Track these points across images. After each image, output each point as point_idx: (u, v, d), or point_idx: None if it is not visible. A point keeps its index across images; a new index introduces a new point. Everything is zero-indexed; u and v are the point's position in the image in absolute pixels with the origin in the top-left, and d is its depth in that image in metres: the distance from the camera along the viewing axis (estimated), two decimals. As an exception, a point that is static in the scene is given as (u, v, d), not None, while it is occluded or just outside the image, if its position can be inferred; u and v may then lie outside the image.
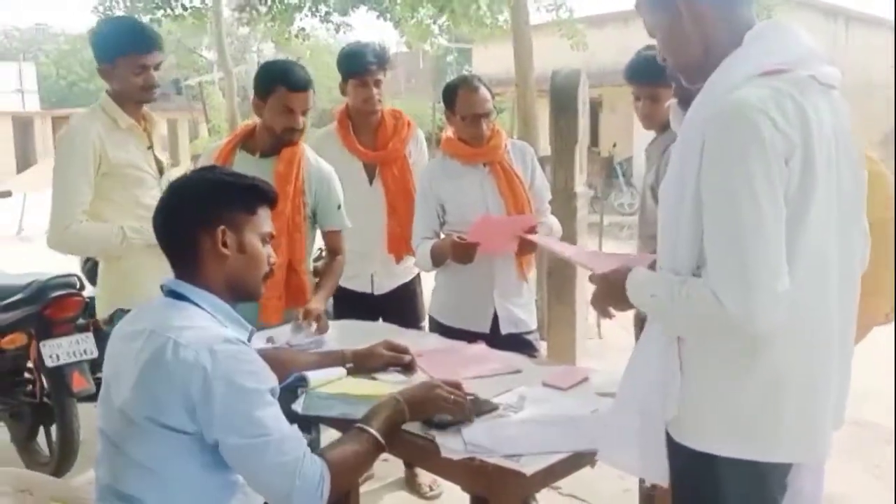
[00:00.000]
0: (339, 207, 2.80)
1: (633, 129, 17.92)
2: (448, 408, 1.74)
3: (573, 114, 4.54)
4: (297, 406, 1.92)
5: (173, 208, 1.65)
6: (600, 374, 2.15)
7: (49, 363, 3.18)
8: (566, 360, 4.34)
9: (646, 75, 2.62)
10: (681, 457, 1.48)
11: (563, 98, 4.56)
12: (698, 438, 1.45)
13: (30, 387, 3.50)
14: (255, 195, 1.69)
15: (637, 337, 2.92)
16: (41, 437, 3.56)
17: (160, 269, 2.43)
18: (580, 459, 1.71)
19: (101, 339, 2.94)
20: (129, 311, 2.40)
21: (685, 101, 2.29)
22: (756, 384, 1.40)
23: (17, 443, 3.57)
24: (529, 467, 1.58)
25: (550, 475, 1.65)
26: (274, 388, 1.55)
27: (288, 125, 2.59)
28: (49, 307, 3.22)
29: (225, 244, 1.61)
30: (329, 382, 2.06)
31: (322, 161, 2.82)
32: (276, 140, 2.64)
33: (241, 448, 1.46)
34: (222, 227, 1.60)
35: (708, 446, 1.43)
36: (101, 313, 2.71)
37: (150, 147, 2.73)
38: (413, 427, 1.77)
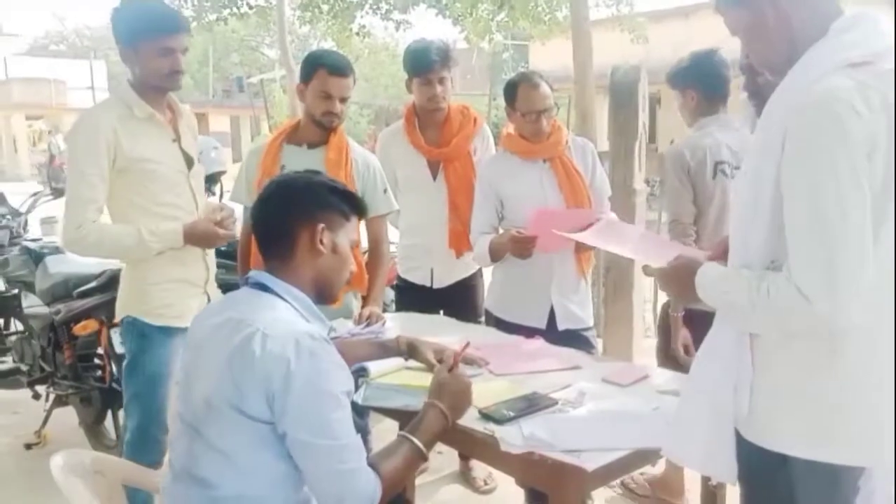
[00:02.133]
0: (385, 192, 2.85)
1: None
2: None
3: (633, 110, 4.49)
4: (358, 397, 1.95)
5: (279, 200, 1.72)
6: (661, 372, 2.13)
7: (119, 350, 3.27)
8: (622, 357, 4.29)
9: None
10: (751, 456, 1.46)
11: (622, 94, 4.51)
12: (772, 438, 1.42)
13: (99, 372, 3.63)
14: (351, 203, 1.77)
15: (660, 344, 2.92)
16: (108, 422, 3.67)
17: (177, 278, 2.49)
18: (641, 457, 1.70)
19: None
20: (139, 320, 2.47)
21: (755, 95, 2.26)
22: (836, 384, 1.37)
23: (86, 426, 3.69)
24: (590, 463, 1.57)
25: (611, 472, 1.65)
26: (350, 391, 1.58)
27: (326, 109, 2.63)
28: (120, 295, 3.32)
29: (322, 241, 1.67)
30: (388, 373, 2.10)
31: (364, 149, 2.88)
32: (319, 127, 2.68)
33: (305, 445, 1.50)
34: (322, 225, 1.67)
35: (782, 446, 1.41)
36: (117, 316, 2.60)
37: (176, 140, 2.51)
38: (472, 421, 1.79)
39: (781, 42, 1.45)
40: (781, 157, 1.33)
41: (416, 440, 1.64)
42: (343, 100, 2.66)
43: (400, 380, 2.04)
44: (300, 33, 29.96)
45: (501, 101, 3.08)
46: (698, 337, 2.78)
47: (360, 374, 2.03)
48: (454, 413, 1.74)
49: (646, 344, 5.32)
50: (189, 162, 2.55)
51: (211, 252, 2.64)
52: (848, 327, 1.29)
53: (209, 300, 2.58)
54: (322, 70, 2.61)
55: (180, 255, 2.49)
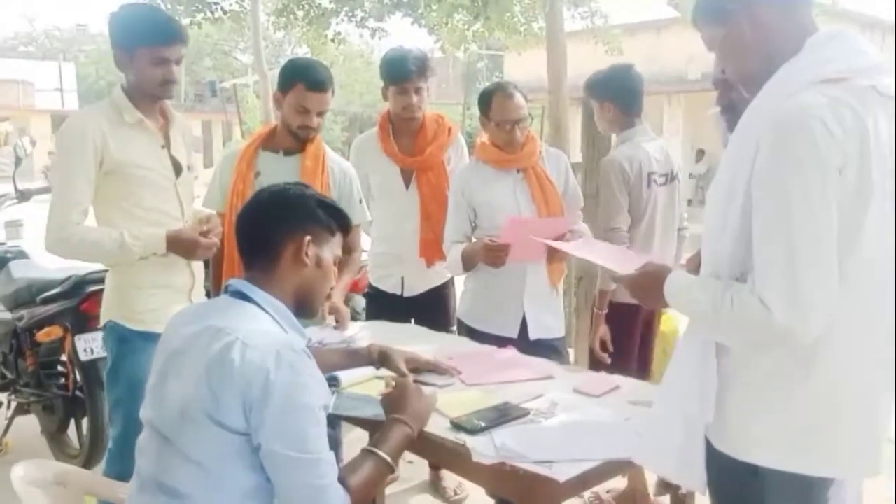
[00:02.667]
0: (360, 202, 2.83)
1: (662, 137, 17.84)
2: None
3: (606, 121, 4.51)
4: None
5: (266, 209, 1.72)
6: (632, 383, 2.14)
7: (83, 357, 3.23)
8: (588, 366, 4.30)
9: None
10: (721, 466, 1.46)
11: (596, 105, 4.53)
12: (742, 448, 1.42)
13: (63, 380, 3.56)
14: (339, 220, 1.77)
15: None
16: (72, 430, 3.60)
17: (161, 284, 2.46)
18: (613, 468, 1.70)
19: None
20: (119, 325, 2.44)
21: (728, 110, 2.28)
22: (809, 395, 1.37)
23: (48, 434, 3.62)
24: (562, 474, 1.57)
25: (582, 483, 1.64)
26: (326, 405, 1.57)
27: (302, 123, 2.62)
28: (86, 301, 3.26)
29: (307, 254, 1.67)
30: (359, 383, 2.08)
31: (341, 157, 2.86)
32: (296, 136, 2.67)
33: (280, 457, 1.48)
34: (308, 237, 1.68)
35: (753, 457, 1.41)
36: (101, 321, 2.56)
37: (166, 146, 2.50)
38: (443, 431, 1.78)
39: (757, 57, 1.47)
40: (752, 171, 1.34)
41: (382, 453, 1.64)
42: (320, 114, 2.64)
43: (371, 389, 2.02)
44: (275, 39, 29.85)
45: (476, 111, 3.09)
46: (618, 334, 2.92)
47: (330, 383, 2.01)
48: (417, 423, 1.75)
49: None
50: (177, 169, 2.53)
51: None
52: (807, 341, 1.30)
53: None
54: (300, 84, 2.59)
55: (165, 260, 2.45)
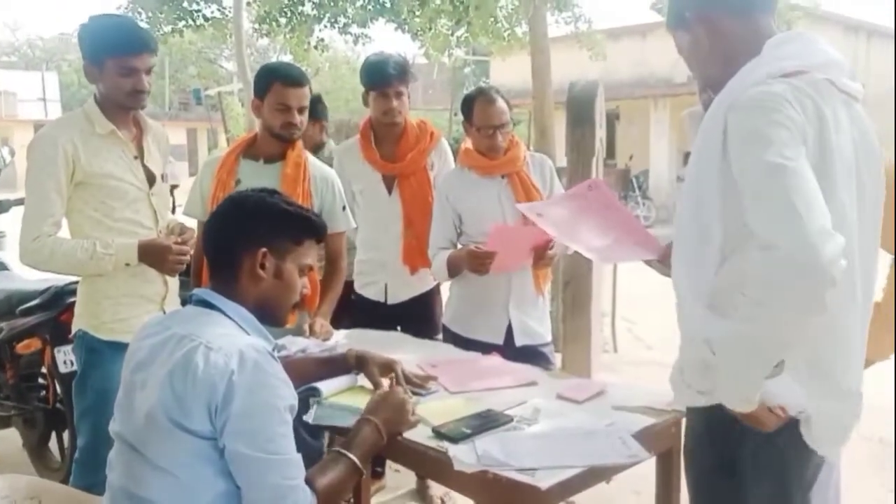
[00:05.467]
0: (343, 208, 2.81)
1: (648, 142, 17.93)
2: (411, 424, 1.80)
3: (590, 126, 4.51)
4: (309, 416, 1.92)
5: (225, 220, 1.71)
6: (616, 388, 2.12)
7: (63, 369, 3.18)
8: (581, 372, 4.29)
9: None
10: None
11: (579, 110, 4.54)
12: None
13: (43, 392, 3.52)
14: (306, 227, 1.73)
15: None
16: (53, 443, 3.55)
17: (133, 293, 2.45)
18: (595, 474, 1.68)
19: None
20: (88, 334, 2.43)
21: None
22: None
23: (30, 448, 3.57)
24: (544, 481, 1.55)
25: (566, 490, 1.62)
26: (293, 407, 1.56)
27: (285, 121, 2.59)
28: (65, 313, 3.21)
29: (263, 266, 1.65)
30: (341, 392, 2.05)
31: (323, 164, 2.84)
32: (277, 141, 2.65)
33: (245, 458, 1.47)
34: (264, 249, 1.65)
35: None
36: (72, 331, 2.55)
37: (139, 157, 2.49)
38: (425, 439, 1.76)
39: (716, 61, 1.56)
40: (722, 157, 1.39)
41: (351, 455, 1.63)
42: (301, 110, 2.62)
43: (352, 400, 2.00)
44: (259, 46, 29.78)
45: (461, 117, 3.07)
46: None
47: (311, 394, 1.98)
48: (389, 427, 1.74)
49: (605, 358, 5.36)
50: (151, 179, 2.52)
51: None
52: (829, 267, 1.23)
53: None
54: (277, 83, 2.58)
55: (136, 269, 2.44)
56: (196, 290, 1.69)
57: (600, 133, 4.62)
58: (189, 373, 1.47)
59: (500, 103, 2.73)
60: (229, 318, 1.62)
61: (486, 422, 1.81)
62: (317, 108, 3.57)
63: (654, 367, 5.36)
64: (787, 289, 1.25)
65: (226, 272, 1.66)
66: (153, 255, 2.42)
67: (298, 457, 1.52)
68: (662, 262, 1.93)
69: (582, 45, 9.38)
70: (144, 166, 2.51)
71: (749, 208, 1.33)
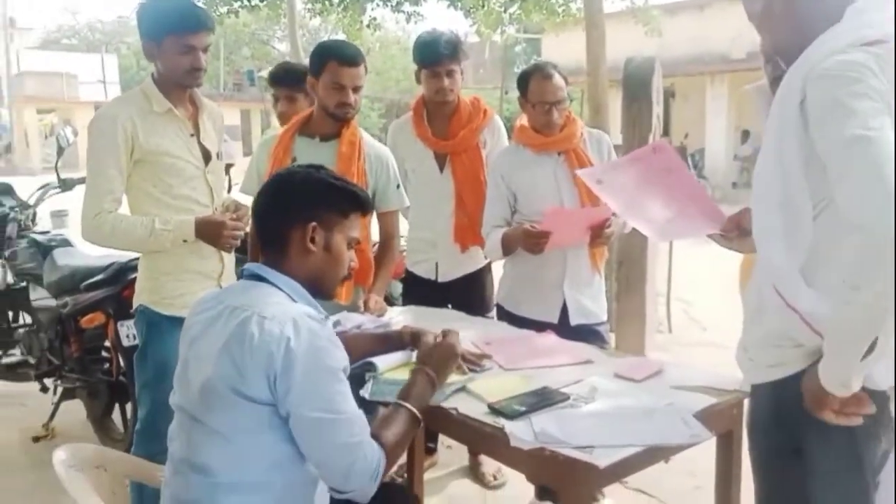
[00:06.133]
0: (398, 187, 2.81)
1: (705, 119, 17.53)
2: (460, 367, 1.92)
3: (646, 103, 4.43)
4: (365, 392, 1.92)
5: (273, 196, 1.73)
6: (674, 367, 2.08)
7: (126, 342, 3.26)
8: (635, 352, 4.25)
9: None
10: None
11: (636, 86, 4.45)
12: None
13: (107, 365, 3.62)
14: (352, 200, 1.76)
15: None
16: (116, 415, 3.67)
17: (191, 269, 2.50)
18: (654, 454, 1.65)
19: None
20: (149, 309, 2.48)
21: (777, 82, 2.20)
22: None
23: (93, 419, 3.69)
24: (602, 460, 1.53)
25: (623, 469, 1.60)
26: (346, 367, 1.59)
27: (340, 100, 2.59)
28: (127, 288, 3.28)
29: (313, 240, 1.68)
30: (396, 368, 2.06)
31: (378, 142, 2.84)
32: (332, 120, 2.65)
33: (311, 422, 1.50)
34: (314, 223, 1.67)
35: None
36: (134, 306, 2.61)
37: (195, 134, 2.54)
38: (481, 415, 1.75)
39: (788, 30, 1.50)
40: (802, 127, 1.34)
41: (410, 406, 1.68)
42: (356, 89, 2.62)
43: (406, 375, 2.00)
44: (311, 26, 29.94)
45: (513, 95, 3.07)
46: None
47: (366, 368, 2.00)
48: (441, 375, 1.81)
49: (659, 339, 5.29)
50: (207, 157, 2.56)
51: None
52: None
53: None
54: (332, 61, 2.57)
55: (196, 246, 2.49)
56: (247, 265, 1.72)
57: (657, 110, 4.53)
58: (245, 342, 1.50)
59: (558, 79, 2.69)
60: (280, 289, 1.64)
61: (543, 399, 1.79)
62: (289, 77, 3.40)
63: (710, 348, 5.29)
64: (883, 270, 1.19)
65: (276, 247, 1.69)
66: (209, 231, 2.46)
67: (361, 413, 1.56)
68: (726, 236, 1.87)
69: (637, 21, 9.17)
70: (200, 144, 2.55)
71: (836, 185, 1.27)
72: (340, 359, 1.57)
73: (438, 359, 1.84)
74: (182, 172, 2.48)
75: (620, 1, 8.96)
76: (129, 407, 3.51)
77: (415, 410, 1.68)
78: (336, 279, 1.76)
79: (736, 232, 1.85)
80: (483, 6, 8.94)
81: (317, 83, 2.63)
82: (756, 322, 1.48)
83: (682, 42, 16.86)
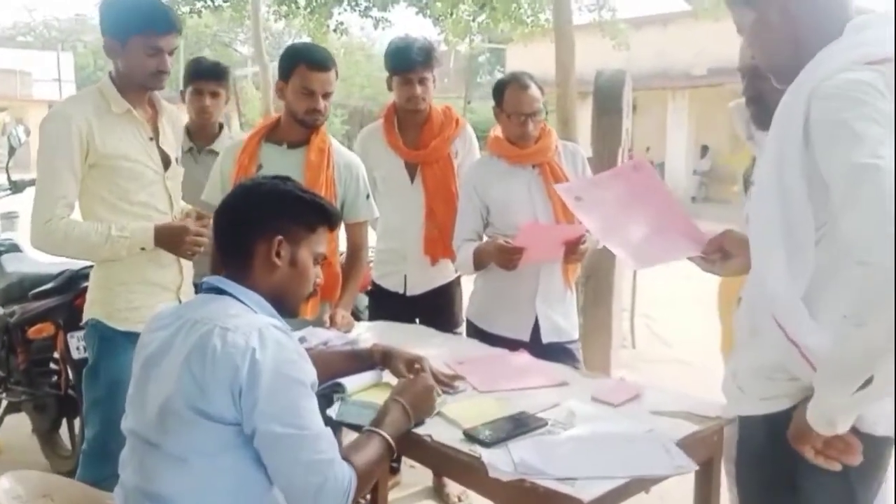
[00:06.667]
0: (367, 197, 2.72)
1: (665, 132, 17.74)
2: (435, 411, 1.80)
3: (617, 116, 4.40)
4: (332, 412, 1.85)
5: (237, 208, 1.66)
6: (652, 391, 2.02)
7: (76, 355, 3.11)
8: (599, 368, 4.21)
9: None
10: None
11: (607, 99, 4.42)
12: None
13: (55, 378, 3.44)
14: (320, 214, 1.69)
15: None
16: (64, 430, 3.48)
17: (148, 280, 2.37)
18: (637, 484, 1.58)
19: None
20: (101, 323, 2.34)
21: (755, 101, 2.15)
22: None
23: (40, 435, 3.50)
24: (585, 492, 1.46)
25: (607, 501, 1.52)
26: (314, 383, 1.53)
27: (309, 106, 2.49)
28: (79, 297, 3.12)
29: (278, 254, 1.61)
30: (365, 389, 1.97)
31: (347, 150, 2.75)
32: (301, 126, 2.55)
33: (278, 438, 1.42)
34: (280, 237, 1.60)
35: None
36: (83, 318, 2.45)
37: (154, 138, 2.40)
38: (457, 442, 1.67)
39: (786, 43, 1.42)
40: (804, 147, 1.28)
41: (384, 433, 1.61)
42: (326, 95, 2.52)
43: (377, 397, 1.91)
44: (274, 29, 29.65)
45: (476, 105, 3.00)
46: None
47: (335, 389, 1.90)
48: (416, 412, 1.72)
49: (623, 354, 5.26)
50: (166, 162, 2.44)
51: None
52: None
53: None
54: (302, 65, 2.47)
55: (152, 255, 2.36)
56: (207, 278, 1.64)
57: (627, 123, 4.51)
58: (207, 356, 1.43)
59: (534, 90, 2.62)
60: (242, 302, 1.57)
61: (520, 425, 1.72)
62: (218, 71, 3.30)
63: (675, 365, 5.28)
64: (887, 307, 1.12)
65: (239, 260, 1.61)
66: (170, 239, 2.33)
67: (329, 431, 1.48)
68: (707, 259, 1.81)
69: (605, 34, 9.22)
70: (160, 148, 2.42)
71: (840, 213, 1.21)
72: (309, 372, 1.51)
73: (414, 395, 1.76)
74: (140, 177, 2.34)
75: (588, 13, 8.98)
76: (77, 422, 3.34)
77: (388, 438, 1.61)
78: (301, 295, 1.69)
79: (718, 255, 1.79)
80: (451, 14, 8.91)
81: (285, 87, 2.52)
82: (748, 349, 1.42)
83: (646, 56, 17.06)
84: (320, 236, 1.69)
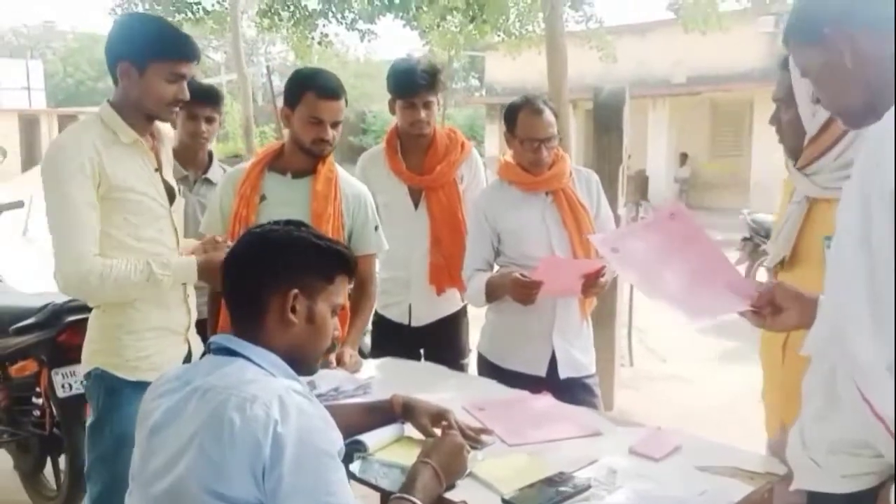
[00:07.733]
0: (376, 229, 2.58)
1: (647, 143, 17.78)
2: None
3: (617, 134, 4.31)
4: (354, 467, 1.72)
5: (248, 257, 1.49)
6: (691, 441, 1.89)
7: (61, 393, 2.95)
8: (605, 390, 4.09)
9: None
10: None
11: (607, 117, 4.33)
12: None
13: (38, 414, 3.26)
14: (338, 262, 1.53)
15: None
16: (48, 470, 3.32)
17: (157, 326, 2.18)
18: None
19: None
20: (108, 374, 2.14)
21: (778, 129, 2.02)
22: None
23: (23, 475, 3.33)
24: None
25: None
26: (341, 450, 1.39)
27: (317, 136, 2.36)
28: (64, 332, 2.97)
29: (294, 310, 1.46)
30: (387, 445, 1.83)
31: (355, 180, 2.61)
32: (307, 155, 2.41)
33: None
34: (295, 291, 1.45)
35: None
36: (83, 368, 2.26)
37: (158, 169, 2.24)
38: (493, 509, 1.54)
39: (858, 89, 1.30)
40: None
41: (416, 500, 1.48)
42: (335, 125, 2.38)
43: (400, 455, 1.77)
44: (248, 37, 29.37)
45: (451, 111, 2.86)
46: None
47: (356, 448, 1.76)
48: (448, 475, 1.60)
49: (623, 373, 5.17)
50: (171, 194, 2.26)
51: (193, 294, 2.33)
52: None
53: (190, 349, 2.28)
54: (310, 93, 2.33)
55: (161, 298, 2.18)
56: (214, 338, 1.49)
57: (626, 141, 4.41)
58: (224, 432, 1.28)
59: (548, 114, 2.50)
60: (256, 364, 1.42)
61: (563, 490, 1.59)
62: (214, 96, 3.11)
63: (673, 381, 5.26)
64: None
65: (250, 315, 1.46)
66: (214, 272, 2.13)
67: (357, 501, 1.35)
68: (758, 313, 1.66)
69: (592, 45, 9.17)
70: (164, 180, 2.25)
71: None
72: (336, 441, 1.37)
73: (445, 455, 1.62)
74: (148, 212, 2.16)
75: (575, 24, 8.90)
76: (62, 461, 3.17)
77: (418, 502, 1.48)
78: (319, 352, 1.55)
79: (769, 309, 1.65)
80: (438, 27, 8.80)
81: (291, 115, 2.38)
82: (825, 422, 1.30)
83: (625, 65, 17.10)
84: (338, 286, 1.54)
